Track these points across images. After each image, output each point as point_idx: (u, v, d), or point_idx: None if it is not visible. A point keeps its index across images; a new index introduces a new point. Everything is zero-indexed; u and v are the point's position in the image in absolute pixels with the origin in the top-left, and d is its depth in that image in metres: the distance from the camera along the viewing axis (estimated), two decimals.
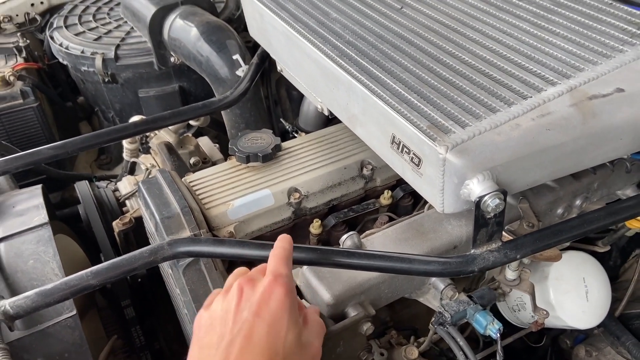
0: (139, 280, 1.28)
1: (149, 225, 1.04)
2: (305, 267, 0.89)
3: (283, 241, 0.74)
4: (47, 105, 1.87)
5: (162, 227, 0.97)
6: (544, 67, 0.86)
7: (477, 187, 0.74)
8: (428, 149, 0.77)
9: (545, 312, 1.03)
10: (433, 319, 0.92)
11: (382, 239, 0.94)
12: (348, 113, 0.98)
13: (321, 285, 0.85)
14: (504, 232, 0.82)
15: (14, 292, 0.90)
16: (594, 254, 1.18)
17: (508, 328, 1.14)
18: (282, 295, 0.63)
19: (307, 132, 1.57)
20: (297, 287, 0.93)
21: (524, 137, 0.76)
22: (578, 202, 1.05)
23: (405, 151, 0.83)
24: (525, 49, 0.90)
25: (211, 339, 0.61)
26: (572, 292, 1.11)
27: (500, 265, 0.81)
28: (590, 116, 0.77)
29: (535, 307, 1.02)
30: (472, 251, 0.80)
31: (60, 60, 1.88)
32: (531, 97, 0.81)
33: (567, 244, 1.07)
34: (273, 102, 1.66)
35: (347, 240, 0.89)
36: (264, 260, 0.84)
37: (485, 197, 0.73)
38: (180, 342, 1.24)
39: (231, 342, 0.59)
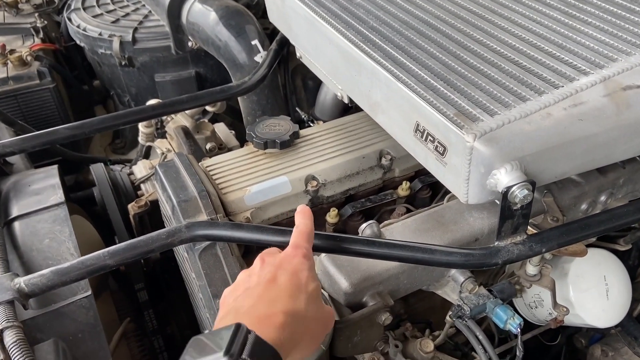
0: (152, 265, 1.27)
1: (165, 209, 1.03)
2: (323, 255, 0.87)
3: (304, 216, 0.75)
4: (63, 87, 1.87)
5: (178, 210, 0.96)
6: (575, 57, 0.83)
7: (504, 177, 0.72)
8: (455, 137, 0.75)
9: (565, 309, 1.01)
10: (451, 312, 0.90)
11: (401, 229, 0.92)
12: (370, 100, 0.96)
13: (339, 274, 0.84)
14: (529, 227, 0.80)
15: (28, 270, 0.89)
16: (614, 252, 1.16)
17: (524, 325, 1.12)
18: (302, 257, 0.67)
19: (323, 122, 1.56)
20: None
21: (555, 127, 0.73)
22: (603, 197, 1.03)
23: (430, 139, 0.81)
24: (556, 37, 0.87)
25: (233, 295, 0.64)
26: (592, 290, 1.09)
27: (524, 258, 0.79)
28: (624, 107, 0.75)
29: (555, 304, 1.00)
30: (496, 243, 0.78)
31: (77, 42, 1.87)
32: (563, 86, 0.78)
33: (593, 239, 1.05)
34: (290, 91, 1.64)
35: (366, 229, 0.87)
36: (282, 246, 0.83)
37: (513, 188, 0.71)
38: (192, 328, 1.23)
39: (255, 286, 0.62)
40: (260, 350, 0.52)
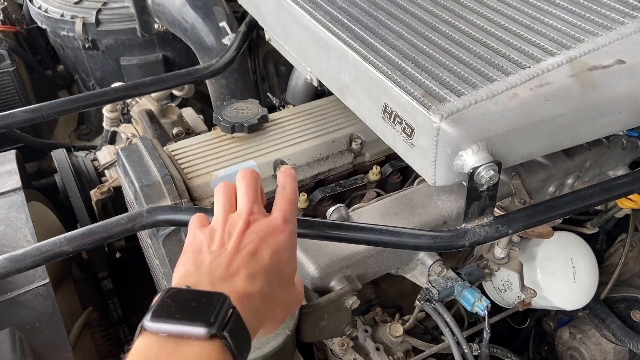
0: (117, 252, 1.24)
1: (128, 194, 0.99)
2: None
3: (291, 179, 0.69)
4: (25, 71, 1.80)
5: (141, 196, 0.93)
6: (543, 38, 0.83)
7: (471, 158, 0.71)
8: (421, 117, 0.74)
9: (532, 292, 1.02)
10: (419, 295, 0.90)
11: (370, 213, 0.91)
12: (339, 82, 0.95)
13: (306, 258, 0.82)
14: (495, 209, 0.79)
15: None
16: (581, 236, 1.17)
17: (493, 308, 1.13)
18: (288, 235, 0.62)
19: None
20: None
21: (521, 107, 0.73)
22: (570, 180, 1.04)
23: (398, 121, 0.80)
24: (523, 18, 0.87)
25: (209, 246, 0.59)
26: (559, 273, 1.10)
27: (491, 240, 0.79)
28: (590, 87, 0.75)
29: (523, 286, 1.01)
30: (463, 225, 0.78)
31: (39, 24, 1.80)
32: (529, 67, 0.78)
33: (559, 221, 1.06)
34: (260, 77, 1.62)
35: (334, 212, 0.86)
36: None
37: (480, 169, 0.70)
38: None
39: (235, 252, 0.57)
40: (238, 329, 0.50)
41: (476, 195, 0.74)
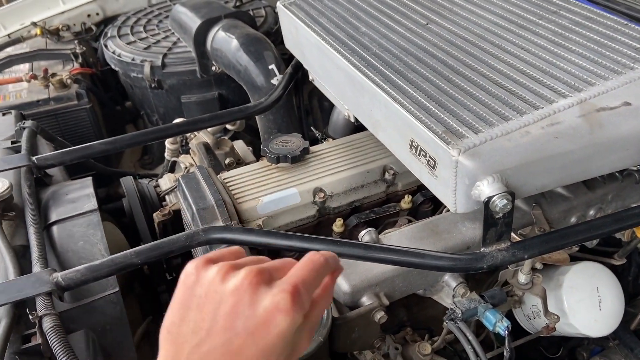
0: (174, 270, 1.37)
1: (186, 216, 1.13)
2: None
3: (324, 254, 0.55)
4: (98, 107, 2.02)
5: (197, 217, 1.06)
6: (557, 81, 0.91)
7: (486, 189, 0.80)
8: (442, 152, 0.83)
9: (556, 317, 1.07)
10: (445, 315, 0.97)
11: (398, 237, 1.00)
12: (372, 119, 1.06)
13: (340, 276, 0.92)
14: (514, 235, 0.87)
15: (64, 268, 1.00)
16: (612, 268, 1.21)
17: (523, 334, 1.18)
18: (286, 326, 0.49)
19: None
20: None
21: (532, 143, 0.81)
22: (592, 212, 1.09)
23: (422, 154, 0.90)
24: (540, 63, 0.96)
25: (191, 322, 0.50)
26: (585, 301, 1.14)
27: (508, 263, 0.86)
28: (597, 126, 0.82)
29: (546, 311, 1.06)
30: (482, 249, 0.86)
31: (112, 66, 2.03)
32: (542, 107, 0.86)
33: (576, 248, 1.11)
34: (304, 112, 1.75)
35: (365, 235, 0.96)
36: (289, 249, 0.92)
37: (494, 198, 0.79)
38: None
39: (211, 349, 0.48)
40: None
41: (492, 222, 0.82)
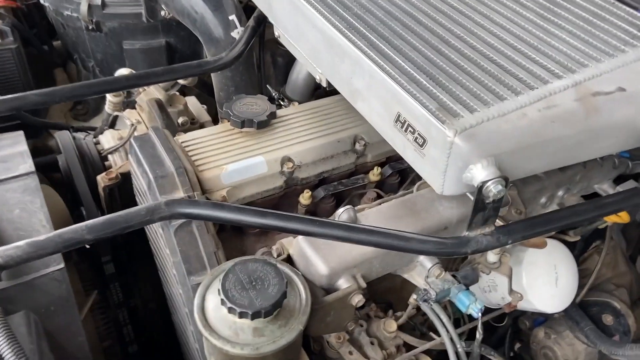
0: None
1: (140, 183, 1.02)
2: (300, 236, 0.90)
3: None
4: (22, 47, 1.78)
5: (155, 186, 0.95)
6: (549, 59, 0.87)
7: (480, 173, 0.76)
8: (435, 130, 0.78)
9: (519, 296, 1.08)
10: (416, 295, 0.95)
11: (376, 215, 0.95)
12: (350, 87, 0.98)
13: (317, 256, 0.86)
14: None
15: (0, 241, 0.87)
16: (564, 242, 1.24)
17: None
18: None
19: (295, 101, 1.57)
20: (289, 256, 0.94)
21: (530, 127, 0.78)
22: (560, 192, 1.10)
23: (410, 131, 0.84)
24: (531, 39, 0.91)
25: None
26: (543, 278, 1.17)
27: (492, 248, 0.84)
28: (593, 112, 0.80)
29: (511, 290, 1.07)
30: (466, 233, 0.83)
31: (41, 1, 1.78)
32: (537, 88, 0.83)
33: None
34: (263, 68, 1.63)
35: (343, 213, 0.90)
36: (263, 227, 0.85)
37: (488, 183, 0.75)
38: (157, 301, 1.23)
39: None
40: None
41: (482, 207, 0.79)
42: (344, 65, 0.96)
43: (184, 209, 0.84)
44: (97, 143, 1.33)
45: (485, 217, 0.82)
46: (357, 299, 0.86)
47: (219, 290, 0.75)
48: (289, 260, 0.93)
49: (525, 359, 1.53)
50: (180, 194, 0.96)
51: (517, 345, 1.56)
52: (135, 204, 0.98)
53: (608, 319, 1.36)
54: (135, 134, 1.29)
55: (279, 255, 0.93)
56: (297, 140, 1.11)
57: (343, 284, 0.87)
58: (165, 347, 1.32)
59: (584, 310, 1.37)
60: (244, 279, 0.76)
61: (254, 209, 0.83)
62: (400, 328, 1.08)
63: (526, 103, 0.80)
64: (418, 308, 0.99)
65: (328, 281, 0.87)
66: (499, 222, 0.86)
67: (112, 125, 1.47)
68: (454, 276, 0.97)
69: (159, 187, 0.95)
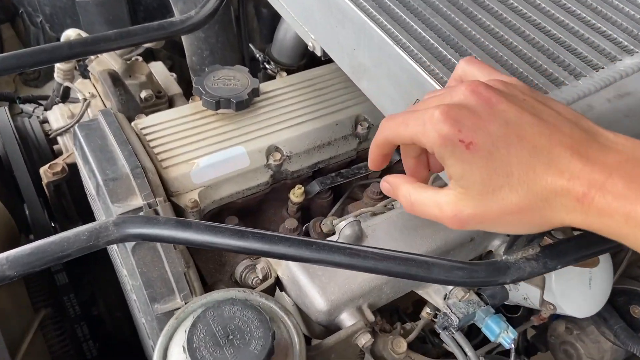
0: None
1: (88, 185, 0.81)
2: None
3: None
4: None
5: (105, 191, 0.75)
6: (615, 28, 0.67)
7: None
8: None
9: (552, 307, 0.92)
10: (437, 322, 0.78)
11: (386, 227, 0.76)
12: (353, 60, 0.77)
13: (313, 287, 0.68)
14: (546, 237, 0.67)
15: None
16: None
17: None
18: None
19: (281, 64, 1.34)
20: (278, 278, 0.75)
21: (597, 123, 0.58)
22: None
23: None
24: (590, 6, 0.70)
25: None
26: (575, 279, 1.01)
27: (536, 275, 0.66)
28: None
29: (542, 302, 0.91)
30: (505, 257, 0.65)
31: None
32: (604, 67, 0.63)
33: None
34: (244, 25, 1.39)
35: (346, 227, 0.71)
36: (242, 251, 0.66)
37: None
38: (123, 310, 1.05)
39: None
40: None
41: None
42: (345, 32, 0.75)
43: (138, 229, 0.64)
44: (45, 121, 1.11)
45: (531, 236, 0.64)
46: (365, 340, 0.69)
47: (183, 347, 0.56)
48: (277, 283, 0.75)
49: (539, 349, 1.41)
50: (137, 200, 0.75)
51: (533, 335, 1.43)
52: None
53: (636, 311, 1.22)
54: (89, 111, 1.07)
55: (264, 279, 0.75)
56: (286, 125, 0.90)
57: (346, 319, 0.69)
58: None
59: (608, 301, 1.23)
60: (217, 331, 0.58)
61: (229, 227, 0.63)
62: (411, 344, 0.93)
63: (590, 90, 0.61)
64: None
65: (327, 317, 0.69)
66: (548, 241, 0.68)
67: (65, 97, 1.24)
68: (478, 294, 0.80)
69: (109, 193, 0.75)
